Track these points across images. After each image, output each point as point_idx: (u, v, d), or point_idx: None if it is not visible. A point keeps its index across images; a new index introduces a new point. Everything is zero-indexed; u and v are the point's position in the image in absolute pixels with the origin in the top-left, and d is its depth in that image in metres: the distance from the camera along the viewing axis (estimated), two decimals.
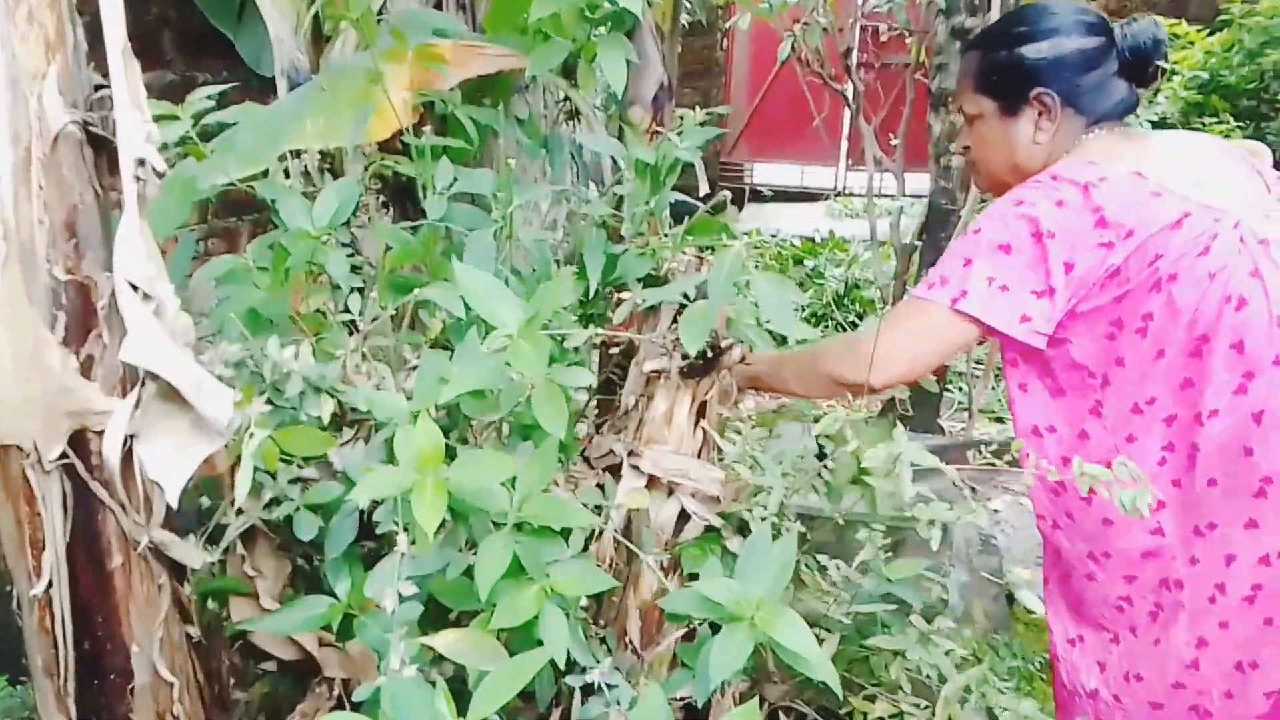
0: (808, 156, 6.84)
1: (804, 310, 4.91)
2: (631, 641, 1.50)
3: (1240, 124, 5.32)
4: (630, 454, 1.45)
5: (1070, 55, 1.40)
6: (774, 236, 6.47)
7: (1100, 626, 1.48)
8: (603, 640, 1.51)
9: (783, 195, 7.68)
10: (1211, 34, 5.81)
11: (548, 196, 1.76)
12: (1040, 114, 1.43)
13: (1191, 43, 5.81)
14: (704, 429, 1.53)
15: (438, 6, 1.83)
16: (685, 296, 1.34)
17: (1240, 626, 1.33)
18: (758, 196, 7.76)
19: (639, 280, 1.45)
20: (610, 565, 1.49)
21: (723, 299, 1.19)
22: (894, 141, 3.74)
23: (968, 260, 1.35)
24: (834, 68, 3.57)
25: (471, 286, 1.02)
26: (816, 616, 1.49)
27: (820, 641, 1.51)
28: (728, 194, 1.57)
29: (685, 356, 1.44)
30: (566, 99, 1.78)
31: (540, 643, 0.99)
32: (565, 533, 1.06)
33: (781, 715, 1.68)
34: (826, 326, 4.70)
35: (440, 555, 1.05)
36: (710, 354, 1.42)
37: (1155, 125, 5.42)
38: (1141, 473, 1.31)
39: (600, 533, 1.42)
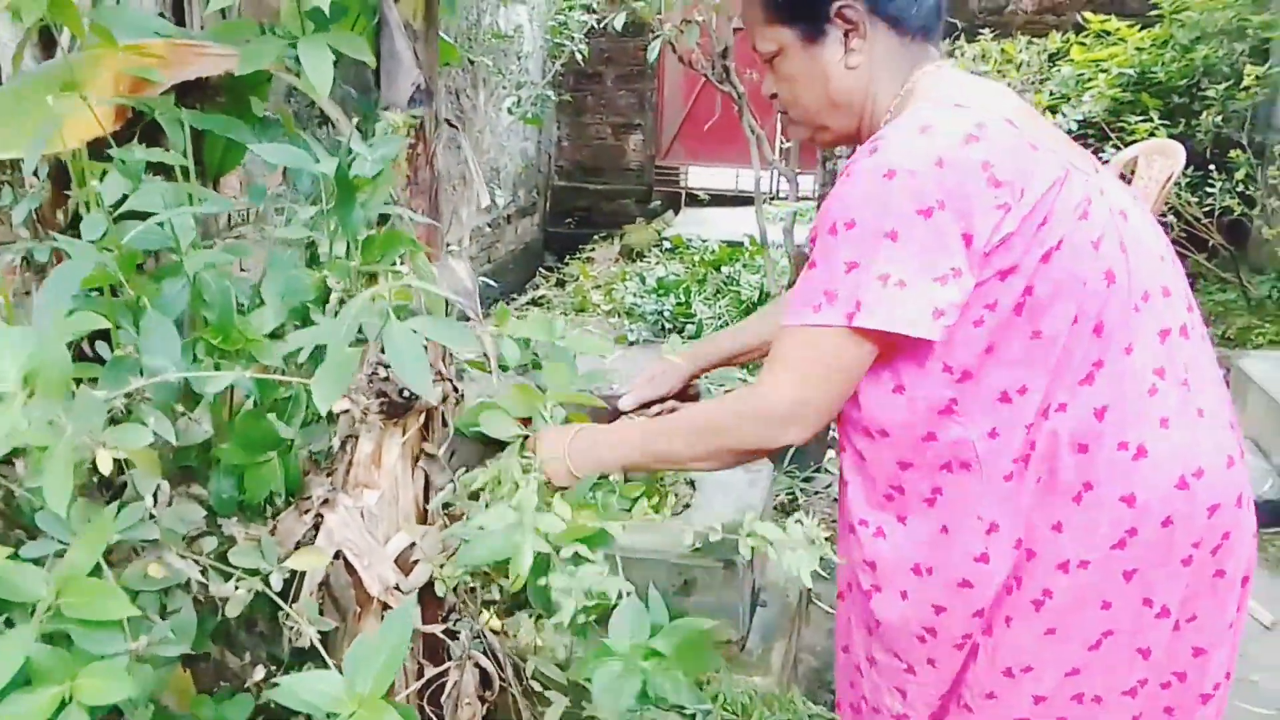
0: (742, 160, 6.69)
1: (718, 320, 4.76)
2: None
3: (1168, 122, 5.19)
4: (325, 503, 1.29)
5: None
6: (704, 242, 6.33)
7: (897, 654, 1.32)
8: None
9: (719, 199, 7.54)
10: (1143, 29, 5.70)
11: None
12: (848, 32, 1.21)
13: (1122, 39, 5.70)
14: (424, 471, 1.38)
15: (177, 6, 1.67)
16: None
17: (1022, 629, 1.20)
18: (694, 200, 7.62)
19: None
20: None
21: (345, 344, 1.02)
22: (787, 144, 3.59)
23: (851, 263, 1.11)
24: (719, 68, 3.42)
25: None
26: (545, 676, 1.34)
27: (547, 704, 1.36)
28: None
29: (382, 395, 1.28)
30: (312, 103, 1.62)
31: None
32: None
33: None
34: None
35: None
36: (410, 393, 1.27)
37: (1080, 125, 5.31)
38: (971, 483, 1.17)
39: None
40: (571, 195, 7.70)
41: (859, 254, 1.10)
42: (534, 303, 5.86)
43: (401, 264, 1.25)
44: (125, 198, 1.15)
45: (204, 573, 1.06)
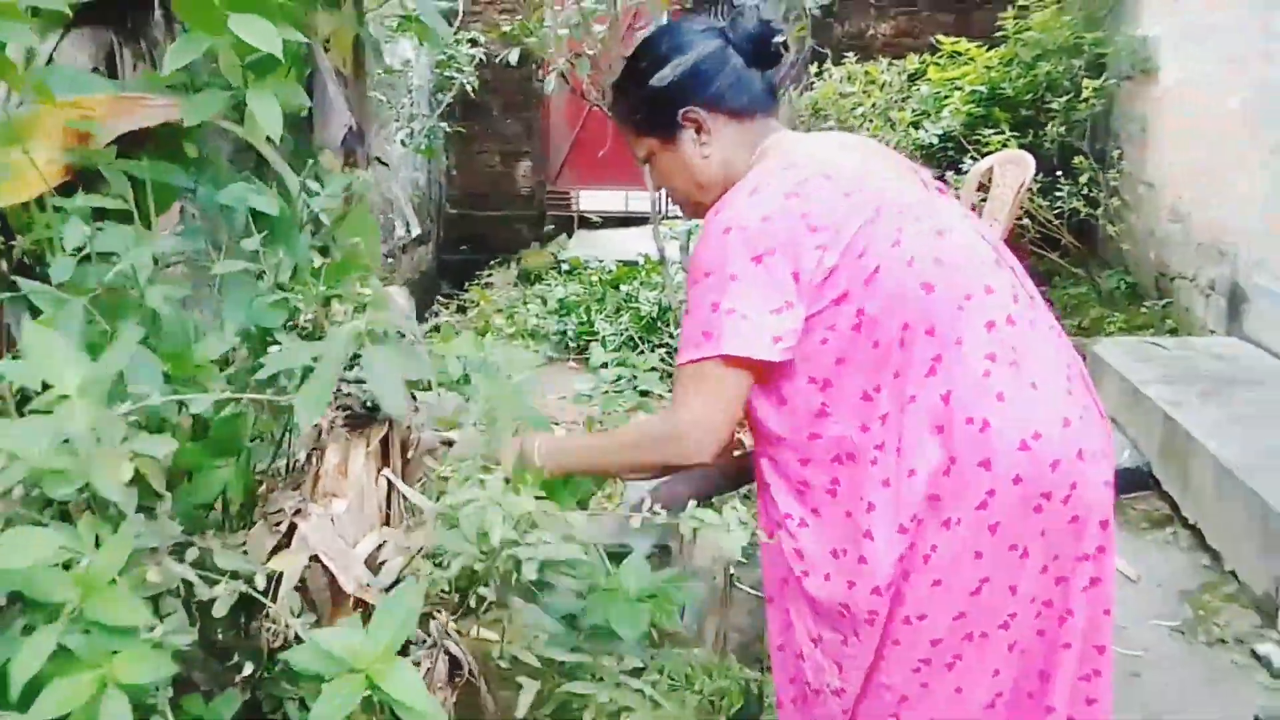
0: (631, 182, 6.93)
1: (621, 336, 4.94)
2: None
3: (1017, 133, 5.66)
4: (297, 513, 1.41)
5: (694, 68, 1.47)
6: (600, 262, 6.51)
7: (835, 628, 1.50)
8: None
9: (611, 221, 7.76)
10: (990, 49, 6.19)
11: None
12: (696, 130, 1.49)
13: (973, 59, 6.17)
14: (388, 479, 1.50)
15: (109, 60, 1.75)
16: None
17: (916, 582, 1.39)
18: (587, 223, 7.82)
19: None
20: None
21: (336, 371, 1.15)
22: None
23: (714, 304, 1.36)
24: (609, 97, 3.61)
25: (36, 347, 0.96)
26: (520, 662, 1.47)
27: (519, 687, 1.49)
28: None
29: (345, 409, 1.41)
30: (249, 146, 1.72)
31: None
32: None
33: None
34: (642, 352, 4.75)
35: None
36: (372, 405, 1.40)
37: (940, 138, 5.74)
38: (860, 471, 1.38)
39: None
40: (465, 223, 7.80)
41: (717, 296, 1.35)
42: (436, 330, 5.93)
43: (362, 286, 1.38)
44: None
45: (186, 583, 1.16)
